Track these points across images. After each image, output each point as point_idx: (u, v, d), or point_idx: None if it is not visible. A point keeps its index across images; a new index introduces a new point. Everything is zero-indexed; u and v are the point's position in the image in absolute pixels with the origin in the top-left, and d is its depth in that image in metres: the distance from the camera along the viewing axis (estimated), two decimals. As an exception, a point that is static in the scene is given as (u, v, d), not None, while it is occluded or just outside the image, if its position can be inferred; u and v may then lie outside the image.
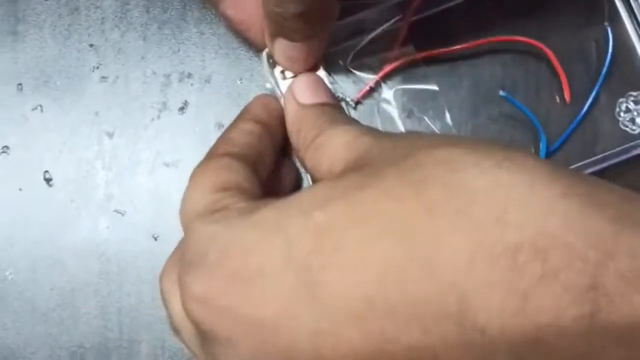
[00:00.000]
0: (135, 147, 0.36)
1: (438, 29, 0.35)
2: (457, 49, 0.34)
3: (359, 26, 0.34)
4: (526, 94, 0.35)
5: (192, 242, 0.26)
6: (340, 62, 0.34)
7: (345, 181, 0.24)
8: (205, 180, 0.28)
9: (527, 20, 0.35)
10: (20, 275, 0.36)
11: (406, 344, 0.20)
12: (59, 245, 0.36)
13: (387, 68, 0.34)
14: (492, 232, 0.20)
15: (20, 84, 0.37)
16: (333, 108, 0.31)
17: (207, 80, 0.36)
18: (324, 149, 0.28)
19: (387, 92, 0.35)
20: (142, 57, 0.36)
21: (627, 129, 0.35)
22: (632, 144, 0.34)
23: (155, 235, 0.36)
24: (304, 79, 0.32)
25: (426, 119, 0.35)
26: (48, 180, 0.36)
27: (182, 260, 0.25)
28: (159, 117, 0.36)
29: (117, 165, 0.36)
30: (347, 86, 0.35)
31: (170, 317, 0.27)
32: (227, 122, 0.34)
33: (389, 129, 0.35)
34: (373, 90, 0.35)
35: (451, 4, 0.35)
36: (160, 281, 0.27)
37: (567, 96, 0.34)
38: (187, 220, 0.27)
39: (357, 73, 0.34)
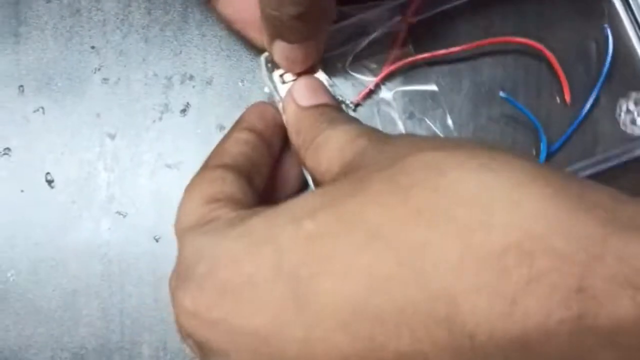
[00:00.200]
0: (137, 149, 0.36)
1: (438, 30, 0.35)
2: (457, 50, 0.34)
3: (358, 28, 0.34)
4: (527, 95, 0.35)
5: (183, 255, 0.26)
6: (340, 64, 0.35)
7: (334, 188, 0.24)
8: (197, 193, 0.28)
9: (527, 21, 0.35)
10: (22, 277, 0.36)
11: (396, 350, 0.20)
12: (61, 246, 0.36)
13: (387, 70, 0.34)
14: (478, 236, 0.20)
15: (21, 86, 0.37)
16: (332, 109, 0.31)
17: (209, 82, 0.36)
18: (323, 149, 0.28)
19: (387, 94, 0.35)
20: (144, 59, 0.37)
21: (628, 130, 0.35)
22: (633, 144, 0.34)
23: (157, 237, 0.36)
24: (303, 82, 0.32)
25: (427, 120, 0.35)
26: (50, 182, 0.36)
27: (176, 273, 0.26)
28: (160, 118, 0.36)
29: (119, 166, 0.36)
30: (347, 88, 0.35)
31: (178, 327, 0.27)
32: (228, 124, 0.34)
33: (390, 130, 0.35)
34: (373, 92, 0.35)
35: (450, 5, 0.35)
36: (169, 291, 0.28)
37: (567, 97, 0.34)
38: (180, 232, 0.27)
39: (357, 75, 0.35)
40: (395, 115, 0.35)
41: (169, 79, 0.36)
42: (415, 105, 0.35)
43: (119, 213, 0.36)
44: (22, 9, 0.37)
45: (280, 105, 0.33)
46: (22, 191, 0.36)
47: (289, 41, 0.30)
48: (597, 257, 0.19)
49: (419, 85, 0.35)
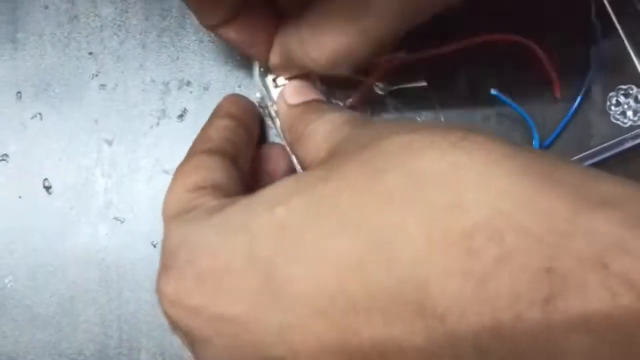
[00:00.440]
0: (134, 155, 0.36)
1: (429, 29, 0.35)
2: (449, 49, 0.34)
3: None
4: (518, 91, 0.35)
5: (166, 244, 0.26)
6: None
7: (309, 174, 0.24)
8: (182, 180, 0.29)
9: (517, 18, 0.35)
10: (20, 283, 0.36)
11: (370, 335, 0.20)
12: (59, 252, 0.36)
13: (380, 70, 0.34)
14: (448, 216, 0.20)
15: (19, 92, 0.37)
16: (320, 103, 0.31)
17: (206, 88, 0.37)
18: (311, 138, 0.28)
19: (380, 94, 0.35)
20: (141, 65, 0.37)
21: (619, 122, 0.35)
22: (624, 137, 0.34)
23: (155, 243, 0.36)
24: (293, 83, 0.32)
25: (419, 119, 0.35)
26: (47, 188, 0.36)
27: (160, 261, 0.26)
28: (158, 124, 0.37)
29: (117, 172, 0.36)
30: (340, 90, 0.35)
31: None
32: (226, 130, 0.34)
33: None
34: (366, 93, 0.35)
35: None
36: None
37: (558, 92, 0.35)
38: (166, 220, 0.28)
39: (351, 77, 0.35)
40: (388, 115, 0.35)
41: (166, 84, 0.37)
42: (408, 104, 0.35)
43: (116, 219, 0.36)
44: (20, 15, 0.37)
45: (273, 109, 0.33)
46: (19, 197, 0.36)
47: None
48: (567, 235, 0.18)
49: (411, 84, 0.35)
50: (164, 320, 0.28)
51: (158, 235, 0.36)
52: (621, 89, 0.35)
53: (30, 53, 0.37)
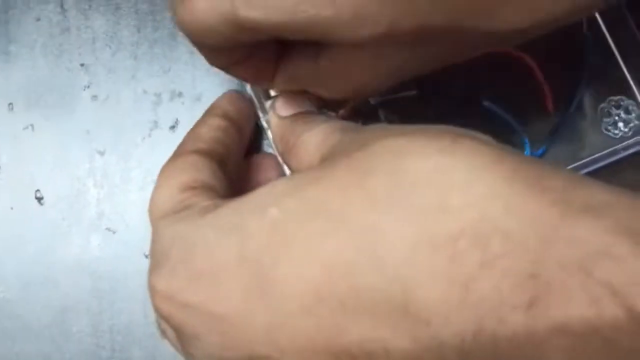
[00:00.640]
0: (126, 165, 0.37)
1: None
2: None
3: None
4: (510, 102, 0.35)
5: (157, 242, 0.26)
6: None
7: (301, 175, 0.24)
8: (172, 179, 0.29)
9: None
10: (12, 294, 0.36)
11: (358, 335, 0.20)
12: (51, 263, 0.36)
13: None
14: (433, 220, 0.20)
15: (11, 104, 0.37)
16: (310, 113, 0.31)
17: (198, 99, 0.37)
18: (302, 148, 0.28)
19: (370, 105, 0.35)
20: (133, 76, 0.37)
21: (610, 134, 0.35)
22: (615, 147, 0.34)
23: (147, 253, 0.36)
24: (284, 95, 0.32)
25: None
26: (39, 199, 0.37)
27: (150, 260, 0.26)
28: (150, 135, 0.37)
29: (109, 183, 0.36)
30: (331, 102, 0.35)
31: (156, 319, 0.27)
32: (217, 141, 0.34)
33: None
34: (356, 104, 0.35)
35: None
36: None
37: (550, 104, 0.35)
38: (154, 219, 0.28)
39: None
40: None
41: (158, 95, 0.37)
42: (399, 114, 0.35)
43: (108, 229, 0.36)
44: (12, 27, 0.37)
45: (264, 120, 0.33)
46: (11, 208, 0.37)
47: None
48: (550, 241, 0.18)
49: (401, 95, 0.35)
50: (156, 331, 0.28)
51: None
52: (612, 100, 0.35)
53: (22, 64, 0.37)
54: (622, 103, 0.35)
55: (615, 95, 0.35)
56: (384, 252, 0.20)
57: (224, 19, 0.24)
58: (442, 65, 0.28)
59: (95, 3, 0.37)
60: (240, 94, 0.35)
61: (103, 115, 0.37)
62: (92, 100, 0.37)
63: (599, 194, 0.19)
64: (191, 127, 0.36)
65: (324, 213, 0.22)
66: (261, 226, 0.23)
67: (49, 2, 0.37)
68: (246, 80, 0.32)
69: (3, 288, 0.36)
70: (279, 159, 0.33)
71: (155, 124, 0.37)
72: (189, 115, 0.36)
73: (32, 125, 0.37)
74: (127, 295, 0.36)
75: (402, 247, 0.20)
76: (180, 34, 0.37)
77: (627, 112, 0.35)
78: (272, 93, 0.33)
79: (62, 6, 0.37)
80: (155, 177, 0.36)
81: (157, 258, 0.26)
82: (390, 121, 0.35)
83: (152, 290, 0.25)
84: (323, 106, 0.33)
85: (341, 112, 0.35)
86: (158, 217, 0.27)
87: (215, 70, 0.29)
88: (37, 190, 0.37)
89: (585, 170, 0.34)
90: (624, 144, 0.34)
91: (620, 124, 0.35)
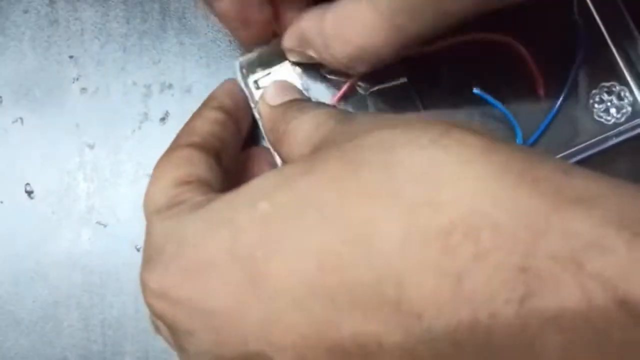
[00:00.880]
0: (116, 158, 0.36)
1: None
2: (433, 48, 0.34)
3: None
4: (501, 90, 0.35)
5: (150, 238, 0.26)
6: (314, 66, 0.34)
7: (291, 167, 0.24)
8: (166, 174, 0.28)
9: (500, 16, 0.35)
10: (2, 288, 0.36)
11: (350, 329, 0.20)
12: (41, 257, 0.36)
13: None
14: (424, 213, 0.19)
15: (0, 97, 0.37)
16: (301, 101, 0.31)
17: (188, 91, 0.36)
18: (292, 136, 0.28)
19: (363, 95, 0.35)
20: (123, 68, 0.36)
21: (602, 120, 0.35)
22: (607, 134, 0.34)
23: (138, 247, 0.36)
24: (273, 84, 0.32)
25: None
26: (29, 193, 0.36)
27: (143, 255, 0.26)
28: (140, 127, 0.36)
29: (99, 176, 0.36)
30: (322, 91, 0.35)
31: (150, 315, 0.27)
32: (207, 132, 0.34)
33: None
34: (348, 93, 0.35)
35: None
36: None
37: (542, 90, 0.34)
38: (148, 214, 0.27)
39: (332, 77, 0.34)
40: None
41: (148, 87, 0.36)
42: (391, 104, 0.35)
43: (99, 223, 0.36)
44: None
45: (255, 111, 0.33)
46: (1, 202, 0.36)
47: None
48: (541, 233, 0.18)
49: (394, 84, 0.35)
50: (148, 325, 0.28)
51: (141, 239, 0.35)
52: (604, 86, 0.35)
53: (10, 57, 0.37)
54: (614, 89, 0.35)
55: (607, 81, 0.35)
56: (375, 245, 0.20)
57: None
58: (441, 28, 0.27)
59: (84, -5, 0.37)
60: (238, 84, 0.34)
61: (92, 108, 0.36)
62: (82, 93, 0.36)
63: (591, 184, 0.19)
64: (182, 119, 0.36)
65: (316, 206, 0.21)
66: (253, 220, 0.23)
67: (37, -5, 0.37)
68: (229, 25, 0.31)
69: (-7, 283, 0.36)
70: (271, 149, 0.33)
71: (146, 116, 0.36)
72: (179, 107, 0.36)
73: (20, 119, 0.37)
74: (118, 289, 0.36)
75: (393, 241, 0.20)
76: (170, 25, 0.36)
77: (620, 98, 0.35)
78: (262, 84, 0.33)
79: (50, -2, 0.37)
80: (145, 169, 0.36)
81: (149, 254, 0.26)
82: (380, 110, 0.35)
83: (145, 287, 0.25)
84: (328, 80, 0.33)
85: (332, 101, 0.35)
86: (152, 212, 0.27)
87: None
88: (27, 184, 0.36)
89: (578, 157, 0.34)
90: (615, 130, 0.34)
91: (613, 110, 0.35)
